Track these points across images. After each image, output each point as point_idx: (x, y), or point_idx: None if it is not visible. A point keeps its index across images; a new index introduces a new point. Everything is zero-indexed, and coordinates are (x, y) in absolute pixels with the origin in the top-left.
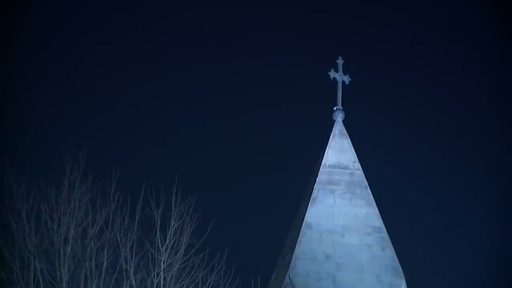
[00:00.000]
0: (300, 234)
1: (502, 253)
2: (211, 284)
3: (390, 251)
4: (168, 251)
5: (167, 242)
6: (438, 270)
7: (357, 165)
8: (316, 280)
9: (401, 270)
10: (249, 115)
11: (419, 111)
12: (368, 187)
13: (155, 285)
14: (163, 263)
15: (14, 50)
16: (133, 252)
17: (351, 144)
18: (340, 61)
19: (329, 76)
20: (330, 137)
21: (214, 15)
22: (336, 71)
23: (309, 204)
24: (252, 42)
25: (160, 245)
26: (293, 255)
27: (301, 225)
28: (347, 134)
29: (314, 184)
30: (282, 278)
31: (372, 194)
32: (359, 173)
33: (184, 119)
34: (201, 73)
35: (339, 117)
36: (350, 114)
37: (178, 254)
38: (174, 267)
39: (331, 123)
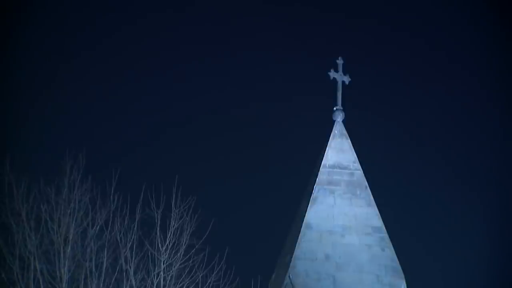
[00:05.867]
0: (300, 234)
1: (502, 253)
2: (211, 284)
3: (390, 251)
4: (168, 251)
5: (167, 242)
6: (438, 270)
7: (357, 165)
8: (316, 280)
9: (401, 270)
10: (249, 115)
11: (419, 111)
12: (368, 187)
13: (155, 285)
14: (163, 263)
15: (13, 51)
16: (133, 252)
17: (351, 144)
18: (340, 61)
19: (329, 76)
20: (330, 137)
21: (215, 13)
22: (336, 71)
23: (309, 204)
24: (252, 41)
25: (160, 245)
26: (293, 255)
27: (301, 225)
28: (347, 134)
29: (314, 184)
30: (282, 278)
31: (372, 194)
32: (359, 173)
33: (184, 119)
34: (200, 73)
35: (339, 117)
36: (350, 114)
37: (178, 254)
38: (174, 267)
39: (331, 123)
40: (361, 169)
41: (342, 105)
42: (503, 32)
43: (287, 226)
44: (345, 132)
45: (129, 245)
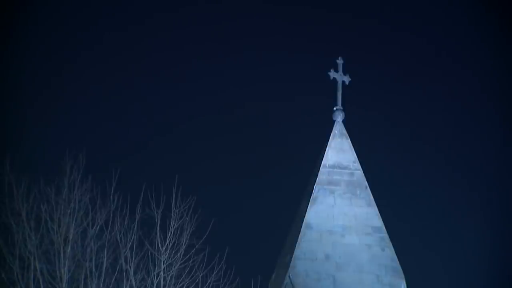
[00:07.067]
0: (300, 234)
1: (502, 253)
2: (211, 284)
3: (390, 251)
4: (168, 251)
5: (167, 242)
6: (438, 270)
7: (357, 165)
8: (316, 280)
9: (401, 270)
10: (249, 115)
11: (419, 111)
12: (368, 187)
13: (155, 285)
14: (163, 263)
15: (13, 51)
16: (133, 252)
17: (351, 144)
18: (340, 61)
19: (329, 76)
20: (330, 137)
21: (215, 14)
22: (336, 71)
23: (309, 204)
24: (251, 41)
25: (160, 245)
26: (293, 255)
27: (301, 225)
28: (347, 134)
29: (314, 184)
30: (282, 278)
31: (372, 194)
32: (359, 173)
33: (184, 119)
34: (200, 73)
35: (339, 117)
36: (350, 114)
37: (178, 254)
38: (174, 267)
39: (331, 123)
40: (361, 169)
41: (342, 105)
42: (503, 32)
43: (287, 226)
44: (345, 132)
45: (129, 245)
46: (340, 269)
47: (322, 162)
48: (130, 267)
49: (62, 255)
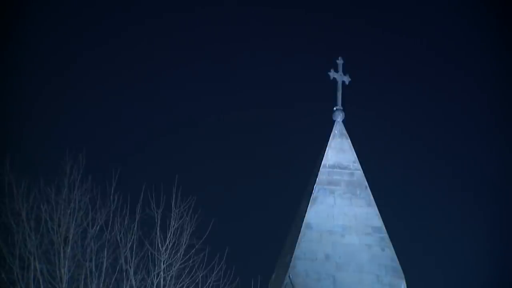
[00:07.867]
0: (300, 234)
1: (502, 253)
2: (211, 284)
3: (390, 251)
4: (168, 251)
5: (167, 242)
6: (438, 270)
7: (357, 165)
8: (316, 280)
9: (401, 270)
10: (249, 115)
11: (419, 111)
12: (368, 187)
13: (155, 285)
14: (163, 263)
15: (13, 50)
16: (133, 252)
17: (351, 144)
18: (340, 61)
19: (329, 76)
20: (330, 137)
21: (214, 14)
22: (336, 71)
23: (309, 204)
24: (251, 42)
25: (160, 245)
26: (293, 255)
27: (301, 225)
28: (347, 134)
29: (314, 184)
30: (282, 278)
31: (372, 194)
32: (359, 173)
33: (184, 119)
34: (201, 73)
35: (339, 117)
36: (350, 114)
37: (178, 254)
38: (174, 267)
39: (331, 123)
40: (361, 169)
41: (342, 105)
42: (503, 32)
43: (287, 226)
44: (345, 132)
45: (129, 245)
46: (340, 269)
47: (322, 162)
48: (130, 267)
49: (62, 255)
